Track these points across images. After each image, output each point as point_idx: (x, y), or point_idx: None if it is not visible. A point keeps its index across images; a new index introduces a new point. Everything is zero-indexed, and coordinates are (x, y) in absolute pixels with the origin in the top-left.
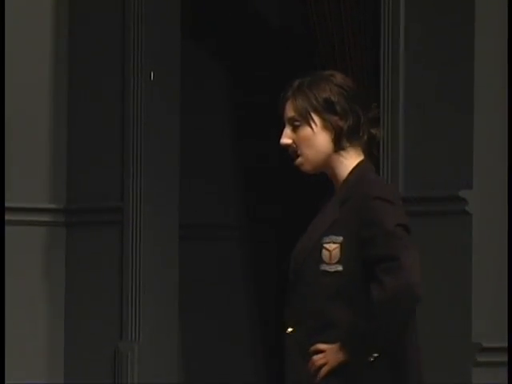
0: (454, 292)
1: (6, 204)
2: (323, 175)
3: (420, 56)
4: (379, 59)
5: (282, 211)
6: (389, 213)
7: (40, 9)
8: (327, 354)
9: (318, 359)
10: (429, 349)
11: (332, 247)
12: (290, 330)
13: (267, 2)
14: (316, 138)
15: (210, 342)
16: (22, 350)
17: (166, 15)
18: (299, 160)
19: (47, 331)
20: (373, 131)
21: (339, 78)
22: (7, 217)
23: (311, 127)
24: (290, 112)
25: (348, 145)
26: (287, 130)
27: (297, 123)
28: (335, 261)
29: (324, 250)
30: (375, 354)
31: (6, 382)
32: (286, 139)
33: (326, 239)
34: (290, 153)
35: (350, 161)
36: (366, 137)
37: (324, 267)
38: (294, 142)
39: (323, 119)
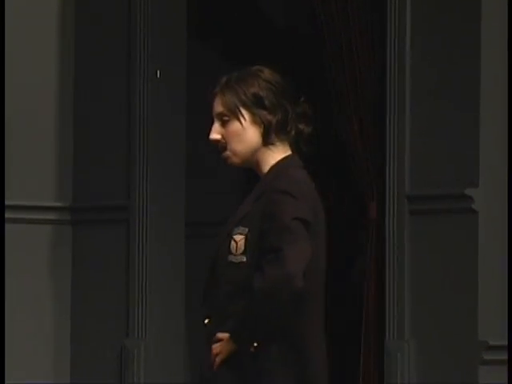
0: (460, 290)
1: (15, 202)
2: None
3: (426, 55)
4: (386, 58)
5: None
6: (288, 207)
7: (46, 8)
8: (222, 343)
9: (214, 348)
10: (435, 347)
11: (239, 238)
12: (206, 321)
13: (273, 1)
14: (245, 133)
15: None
16: (27, 348)
17: (171, 15)
18: (227, 153)
19: (53, 330)
20: (300, 126)
21: (267, 73)
22: (14, 215)
23: (240, 122)
24: (218, 107)
25: (276, 139)
26: (216, 126)
27: (226, 118)
28: (240, 252)
29: (232, 242)
30: (255, 344)
31: (13, 381)
32: (215, 134)
33: (235, 230)
34: (219, 148)
35: (276, 155)
36: (293, 132)
37: (231, 258)
38: (223, 137)
39: (252, 114)
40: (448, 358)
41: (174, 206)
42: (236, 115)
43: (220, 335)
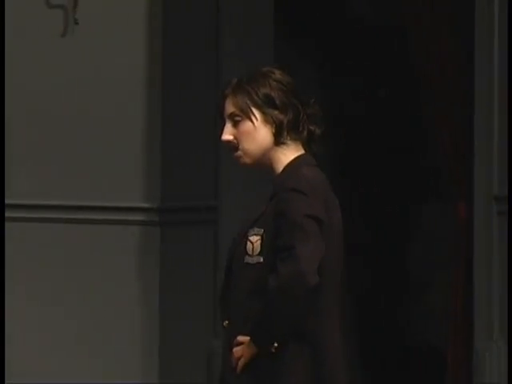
0: None
1: (100, 203)
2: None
3: None
4: (473, 47)
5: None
6: (299, 204)
7: (135, 9)
8: (244, 346)
9: (235, 351)
10: None
11: (255, 239)
12: (225, 323)
13: (361, 0)
14: (257, 133)
15: None
16: (116, 349)
17: (258, 15)
18: (239, 153)
19: (141, 331)
20: (312, 127)
21: (278, 73)
22: (104, 216)
23: (252, 122)
24: (230, 108)
25: (288, 139)
26: (228, 126)
27: (237, 118)
28: (257, 253)
29: (248, 243)
30: (276, 344)
31: (102, 381)
32: (228, 135)
33: (251, 232)
34: (231, 148)
35: (288, 155)
36: (305, 132)
37: (247, 259)
38: (234, 137)
39: (264, 114)
40: None
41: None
42: (248, 115)
43: (241, 338)
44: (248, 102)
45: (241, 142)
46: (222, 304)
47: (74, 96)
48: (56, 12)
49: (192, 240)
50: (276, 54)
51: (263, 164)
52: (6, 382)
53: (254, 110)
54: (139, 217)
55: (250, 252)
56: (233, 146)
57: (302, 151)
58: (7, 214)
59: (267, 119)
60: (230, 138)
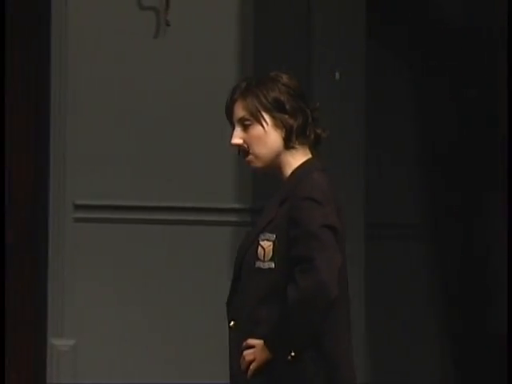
0: None
1: (194, 204)
2: None
3: None
4: None
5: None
6: (314, 213)
7: (226, 11)
8: (256, 350)
9: (247, 354)
10: None
11: (266, 245)
12: (232, 324)
13: (453, 0)
14: (267, 137)
15: (393, 340)
16: (197, 351)
17: (350, 14)
18: (250, 157)
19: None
20: (318, 131)
21: (285, 78)
22: (195, 217)
23: (262, 126)
24: (240, 112)
25: (297, 143)
26: (237, 131)
27: (247, 123)
28: (268, 258)
29: (259, 248)
30: (293, 353)
31: (181, 381)
32: (237, 139)
33: (262, 237)
34: (241, 152)
35: (297, 158)
36: (312, 136)
37: (258, 264)
38: (244, 141)
39: (274, 118)
40: None
41: (353, 207)
42: (258, 119)
43: (252, 342)
44: (258, 106)
45: (251, 146)
46: (229, 305)
47: (165, 97)
48: (148, 14)
49: None
50: (368, 53)
51: (273, 168)
52: (76, 381)
53: (264, 115)
54: (231, 218)
55: (261, 257)
56: (243, 150)
57: (309, 155)
58: (94, 215)
59: (277, 123)
60: (240, 142)
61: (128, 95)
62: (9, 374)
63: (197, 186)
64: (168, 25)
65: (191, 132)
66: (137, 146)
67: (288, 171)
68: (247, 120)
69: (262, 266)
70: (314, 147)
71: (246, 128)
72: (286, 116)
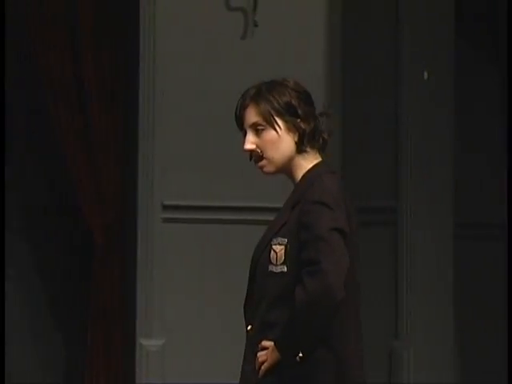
0: None
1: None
2: None
3: None
4: None
5: None
6: (324, 217)
7: (313, 11)
8: (268, 352)
9: (260, 355)
10: None
11: (278, 249)
12: (249, 327)
13: None
14: (281, 141)
15: (485, 342)
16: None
17: (439, 13)
18: (263, 162)
19: None
20: (324, 135)
21: (293, 83)
22: (255, 217)
23: (276, 130)
24: (252, 117)
25: (308, 147)
26: (250, 136)
27: (260, 127)
28: (280, 262)
29: (272, 252)
30: (300, 355)
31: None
32: (250, 145)
33: (275, 241)
34: (254, 157)
35: (308, 162)
36: (321, 140)
37: (271, 268)
38: (257, 146)
39: (286, 122)
40: None
41: (442, 206)
42: (271, 124)
43: (265, 343)
44: (271, 110)
45: (265, 150)
46: (246, 310)
47: None
48: (236, 14)
49: (371, 240)
50: (457, 52)
51: (284, 171)
52: (165, 382)
53: (278, 119)
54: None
55: (273, 261)
56: (256, 156)
57: (319, 158)
58: (182, 215)
59: (290, 127)
60: (253, 147)
61: (215, 96)
62: (94, 375)
63: (281, 187)
64: (256, 25)
65: None
66: (225, 146)
67: (299, 174)
68: (260, 125)
69: (274, 270)
70: (322, 150)
71: (258, 133)
72: (299, 120)
